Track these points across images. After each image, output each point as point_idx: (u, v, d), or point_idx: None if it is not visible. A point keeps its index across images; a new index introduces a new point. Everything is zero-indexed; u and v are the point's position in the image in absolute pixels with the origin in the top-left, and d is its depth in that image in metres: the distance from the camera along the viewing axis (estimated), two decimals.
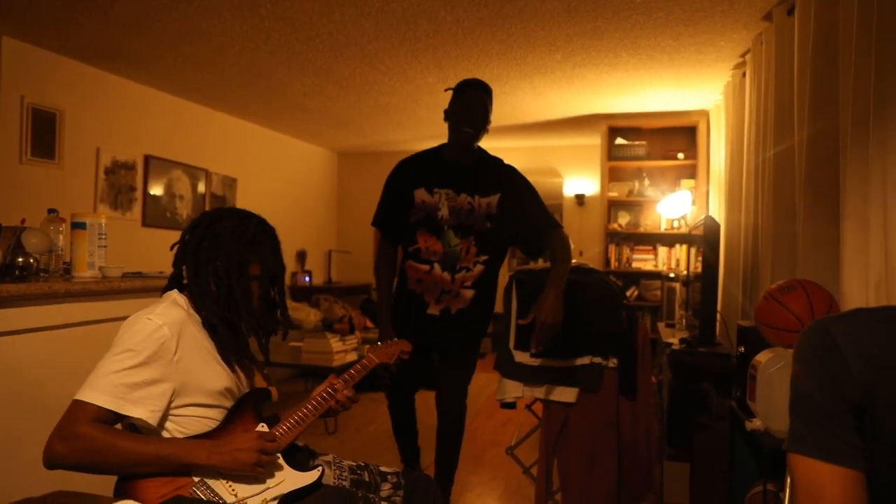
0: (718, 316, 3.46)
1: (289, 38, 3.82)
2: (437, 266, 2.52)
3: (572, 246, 2.63)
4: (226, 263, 1.50)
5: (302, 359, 4.73)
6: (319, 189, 7.72)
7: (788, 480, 0.90)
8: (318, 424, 4.26)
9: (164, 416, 1.42)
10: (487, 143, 2.60)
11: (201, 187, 5.58)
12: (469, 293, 2.55)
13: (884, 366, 0.93)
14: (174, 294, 1.54)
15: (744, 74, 3.92)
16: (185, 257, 1.54)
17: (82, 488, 1.32)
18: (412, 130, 6.48)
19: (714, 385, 3.04)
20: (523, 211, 2.54)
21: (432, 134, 6.58)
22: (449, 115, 2.53)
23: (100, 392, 1.32)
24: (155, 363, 1.38)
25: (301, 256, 6.92)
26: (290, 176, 7.05)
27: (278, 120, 6.18)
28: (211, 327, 1.51)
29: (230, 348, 1.53)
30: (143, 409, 1.36)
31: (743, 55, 3.90)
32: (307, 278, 6.88)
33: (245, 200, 6.02)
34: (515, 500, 3.15)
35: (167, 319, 1.43)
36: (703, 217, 3.33)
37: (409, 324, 2.48)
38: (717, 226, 3.20)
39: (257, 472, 1.40)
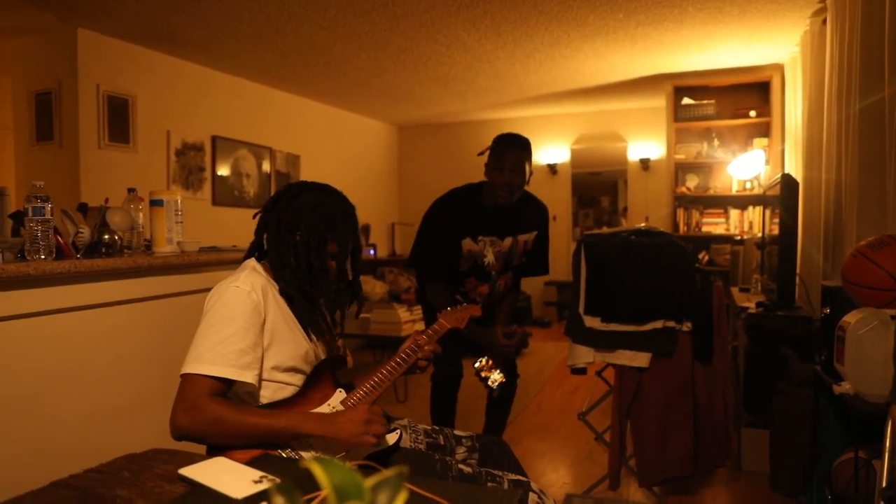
0: (797, 278, 3.31)
1: (345, 13, 3.82)
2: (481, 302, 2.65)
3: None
4: (305, 240, 1.53)
5: (371, 329, 4.83)
6: (381, 163, 7.78)
7: (889, 431, 0.86)
8: (389, 393, 4.35)
9: (261, 381, 1.47)
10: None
11: (266, 165, 5.71)
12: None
13: None
14: (252, 262, 1.59)
15: (824, 21, 3.67)
16: (267, 228, 1.58)
17: (177, 447, 1.38)
18: (472, 101, 6.41)
19: (794, 349, 2.92)
20: (539, 247, 2.75)
21: (492, 103, 6.50)
22: (487, 173, 2.55)
23: (210, 363, 1.37)
24: (251, 328, 1.43)
25: (365, 230, 7.01)
26: (352, 151, 7.13)
27: (338, 96, 6.23)
28: (287, 297, 1.55)
29: (306, 317, 1.57)
30: (251, 374, 1.42)
31: (823, 0, 3.65)
32: (372, 251, 6.98)
33: (308, 176, 6.05)
34: (587, 467, 3.13)
35: (253, 285, 1.47)
36: (778, 176, 3.17)
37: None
38: (796, 184, 3.04)
39: (356, 448, 1.41)
